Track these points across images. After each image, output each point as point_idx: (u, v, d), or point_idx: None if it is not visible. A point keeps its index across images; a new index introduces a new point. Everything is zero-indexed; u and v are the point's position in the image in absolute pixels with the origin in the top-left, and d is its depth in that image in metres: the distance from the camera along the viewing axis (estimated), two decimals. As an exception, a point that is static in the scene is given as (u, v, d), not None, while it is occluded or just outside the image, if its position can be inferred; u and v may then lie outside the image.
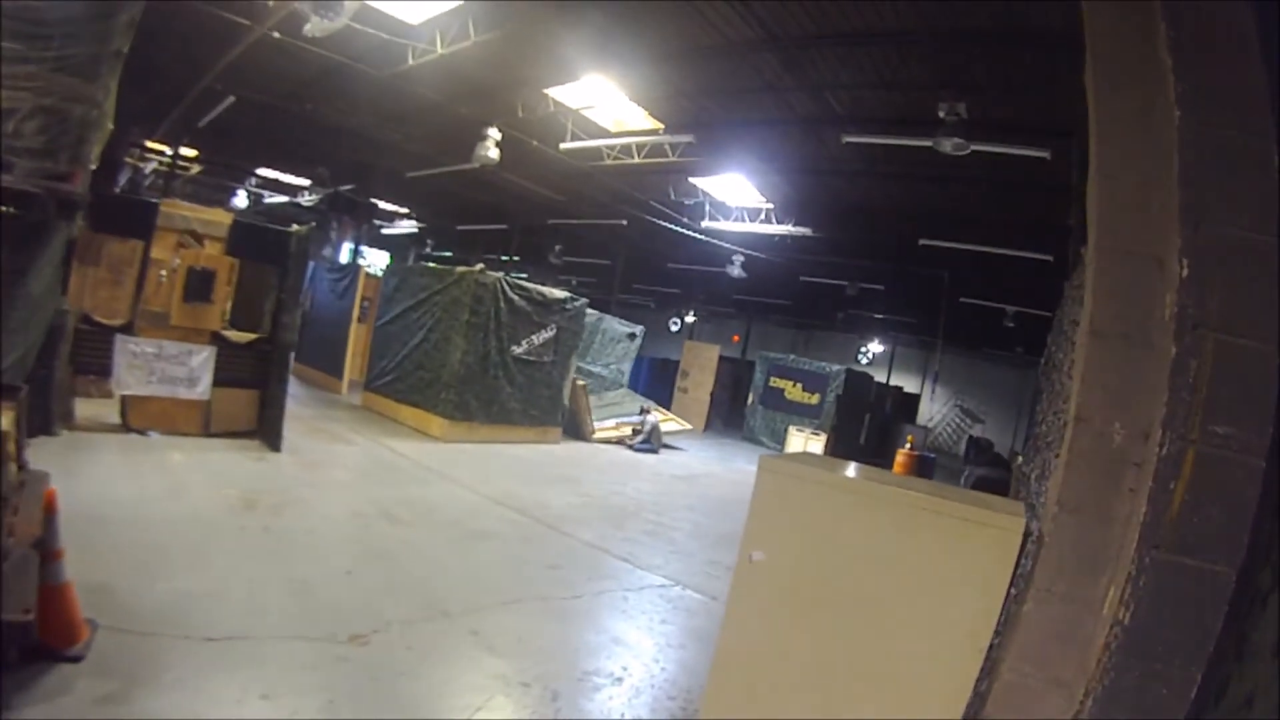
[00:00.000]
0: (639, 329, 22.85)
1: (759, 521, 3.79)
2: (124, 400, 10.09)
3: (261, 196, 29.92)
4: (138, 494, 7.52)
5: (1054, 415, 5.77)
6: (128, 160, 22.25)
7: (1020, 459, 18.20)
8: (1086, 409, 2.96)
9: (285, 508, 8.04)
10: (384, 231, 34.97)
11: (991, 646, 3.17)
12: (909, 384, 35.66)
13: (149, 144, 22.17)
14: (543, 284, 16.63)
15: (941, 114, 10.44)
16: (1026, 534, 3.17)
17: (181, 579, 5.63)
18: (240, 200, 28.93)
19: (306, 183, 26.16)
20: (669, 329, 40.56)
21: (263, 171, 26.60)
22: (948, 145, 10.53)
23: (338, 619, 5.43)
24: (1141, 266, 2.91)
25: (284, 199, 28.97)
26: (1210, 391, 2.55)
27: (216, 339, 10.60)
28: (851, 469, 4.15)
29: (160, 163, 23.50)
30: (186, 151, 23.56)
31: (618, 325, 22.41)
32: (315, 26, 10.06)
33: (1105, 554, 2.83)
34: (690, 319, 39.98)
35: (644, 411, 18.55)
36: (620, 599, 7.06)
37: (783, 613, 3.68)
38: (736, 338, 38.55)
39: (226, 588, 5.65)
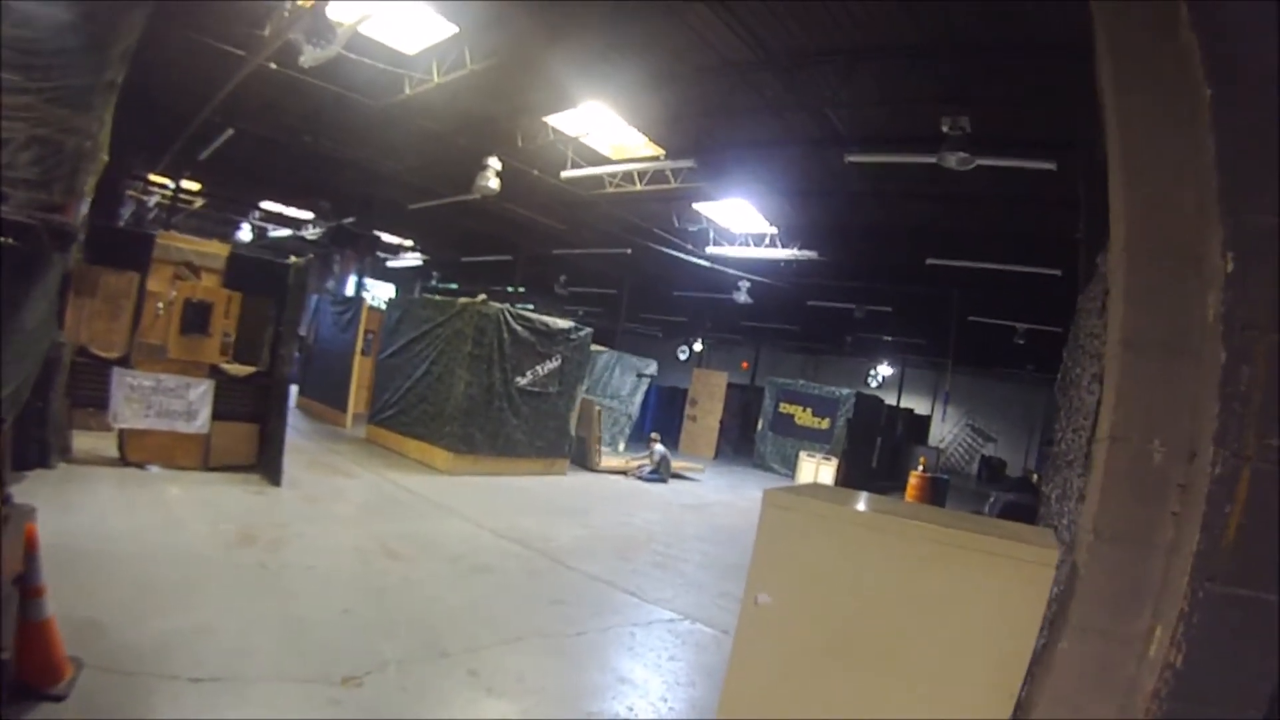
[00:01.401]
0: (652, 365, 22.76)
1: (765, 561, 3.55)
2: (121, 434, 9.97)
3: (266, 230, 29.98)
4: (133, 528, 7.36)
5: (1074, 432, 5.55)
6: (131, 194, 22.39)
7: (1035, 477, 18.01)
8: (1122, 427, 2.71)
9: (283, 543, 7.85)
10: (389, 264, 34.99)
11: (1023, 691, 2.91)
12: (919, 405, 35.60)
13: (152, 177, 22.22)
14: (549, 314, 16.50)
15: (945, 128, 10.25)
16: (1059, 565, 2.91)
17: (173, 616, 5.45)
18: (245, 234, 29.00)
19: (310, 216, 26.15)
20: (677, 357, 40.50)
21: (266, 205, 26.61)
22: (952, 160, 10.34)
23: (331, 659, 5.22)
24: (1178, 267, 2.67)
25: (288, 232, 29.03)
26: (1264, 400, 2.29)
27: (215, 372, 10.48)
28: (863, 500, 3.92)
29: (163, 196, 23.53)
30: (190, 185, 23.63)
31: (631, 360, 22.54)
32: (309, 56, 9.98)
33: (1148, 586, 2.59)
34: (698, 347, 39.87)
35: (651, 442, 18.28)
36: (627, 635, 6.81)
37: (793, 659, 3.42)
38: (746, 364, 38.48)
39: (218, 626, 5.46)
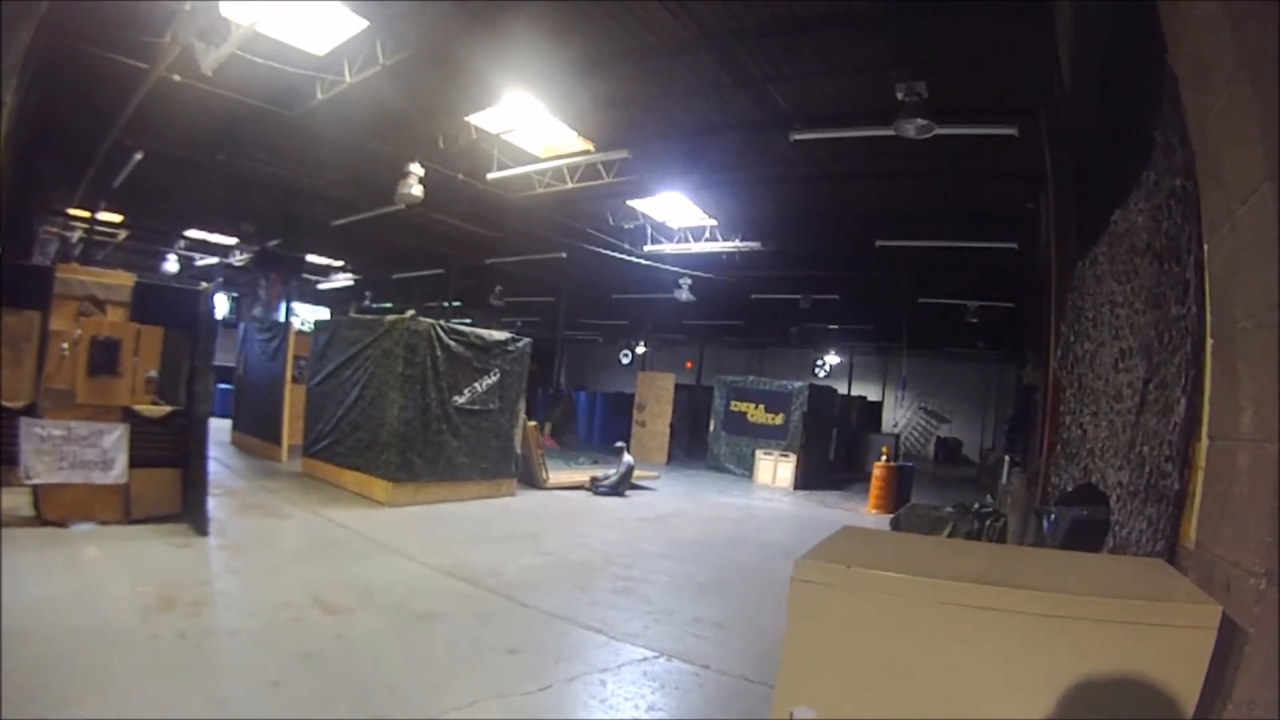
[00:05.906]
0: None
1: (801, 660, 2.57)
2: (36, 490, 9.11)
3: (193, 259, 28.77)
4: (43, 600, 6.53)
5: (1090, 417, 4.90)
6: (53, 230, 21.32)
7: (1007, 459, 17.56)
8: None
9: (206, 605, 7.04)
10: (320, 287, 33.91)
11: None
12: (869, 392, 35.68)
13: (72, 211, 21.14)
14: (487, 328, 15.73)
15: (900, 95, 9.61)
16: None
17: (82, 706, 4.70)
18: (171, 265, 27.66)
19: (234, 241, 25.15)
20: (620, 361, 40.00)
21: (191, 233, 25.52)
22: (910, 128, 9.69)
23: (254, 751, 4.41)
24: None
25: (215, 260, 27.95)
26: None
27: (128, 415, 9.65)
28: (927, 553, 2.95)
29: (83, 230, 22.46)
30: (111, 217, 22.53)
31: None
32: (204, 55, 9.19)
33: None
34: (640, 350, 39.38)
35: (619, 452, 17.53)
36: (596, 684, 6.01)
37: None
38: (690, 364, 38.08)
39: (129, 716, 4.67)
